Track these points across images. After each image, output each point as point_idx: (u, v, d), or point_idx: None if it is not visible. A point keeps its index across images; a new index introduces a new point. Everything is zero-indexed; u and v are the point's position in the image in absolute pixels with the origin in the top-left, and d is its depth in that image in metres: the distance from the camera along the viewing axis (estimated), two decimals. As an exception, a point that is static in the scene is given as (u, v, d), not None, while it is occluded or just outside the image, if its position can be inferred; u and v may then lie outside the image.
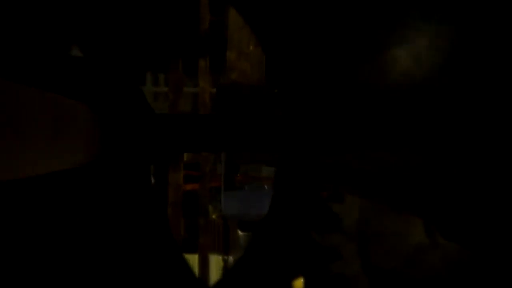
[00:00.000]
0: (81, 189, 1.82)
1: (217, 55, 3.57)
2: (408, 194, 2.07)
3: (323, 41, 2.10)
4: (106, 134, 1.79)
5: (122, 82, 1.91)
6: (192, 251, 5.26)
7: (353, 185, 2.15)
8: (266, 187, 5.26)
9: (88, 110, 1.75)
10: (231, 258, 5.78)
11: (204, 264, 5.00)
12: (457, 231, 2.08)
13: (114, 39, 2.36)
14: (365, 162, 2.06)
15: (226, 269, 5.78)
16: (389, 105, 2.01)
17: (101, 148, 1.78)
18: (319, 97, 2.08)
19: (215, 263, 5.80)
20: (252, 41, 2.80)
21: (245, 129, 2.07)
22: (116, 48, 2.35)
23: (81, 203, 1.84)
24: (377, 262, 2.22)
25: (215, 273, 5.70)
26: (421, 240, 2.22)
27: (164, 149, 2.03)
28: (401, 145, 2.02)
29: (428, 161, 2.01)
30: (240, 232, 5.47)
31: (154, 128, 1.95)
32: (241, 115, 2.31)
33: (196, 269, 5.19)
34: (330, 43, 2.09)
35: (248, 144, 2.09)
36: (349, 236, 2.26)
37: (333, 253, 2.22)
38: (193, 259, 5.26)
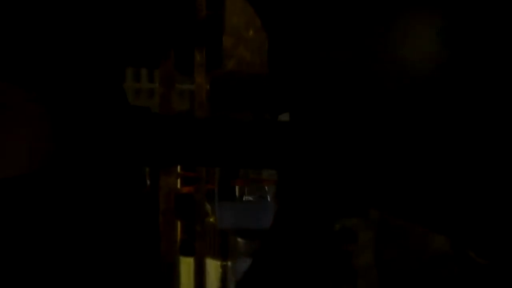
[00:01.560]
0: (32, 197, 1.66)
1: (215, 47, 3.40)
2: (436, 211, 2.02)
3: (333, 23, 1.99)
4: (64, 133, 1.63)
5: (93, 71, 1.72)
6: (190, 254, 5.15)
7: (374, 200, 2.08)
8: (266, 188, 5.17)
9: (37, 100, 1.55)
10: (229, 264, 5.62)
11: (200, 271, 4.80)
12: (492, 249, 2.03)
13: (103, 31, 2.18)
14: (388, 177, 2.00)
15: (225, 275, 5.67)
16: (408, 109, 1.96)
17: (57, 151, 1.63)
18: (328, 94, 2.00)
19: (214, 268, 5.67)
20: (253, 25, 2.63)
21: (244, 141, 1.98)
22: (104, 40, 2.17)
23: (28, 212, 1.69)
24: (390, 259, 2.18)
25: (214, 278, 5.57)
26: (442, 248, 2.14)
27: (143, 157, 1.88)
28: (427, 159, 1.97)
29: (458, 177, 1.96)
30: (239, 239, 5.32)
31: (133, 129, 1.81)
32: (239, 122, 2.21)
33: (192, 275, 5.05)
34: (339, 26, 2.00)
35: (249, 160, 2.04)
36: (368, 221, 2.20)
37: (349, 234, 2.16)
38: (192, 262, 5.15)
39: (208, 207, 5.36)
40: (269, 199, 5.29)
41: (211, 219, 5.50)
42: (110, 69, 1.83)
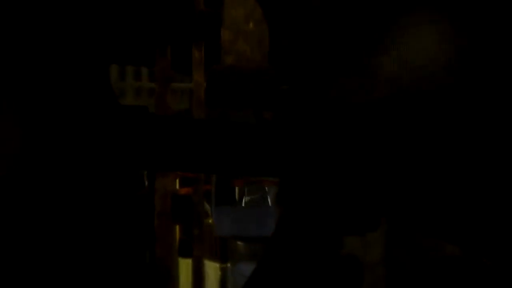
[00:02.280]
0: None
1: (213, 42, 3.32)
2: (446, 220, 2.02)
3: (339, 15, 1.99)
4: (35, 135, 1.55)
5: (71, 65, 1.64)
6: (189, 255, 5.00)
7: (383, 209, 2.05)
8: (266, 188, 5.11)
9: (5, 99, 1.48)
10: (229, 266, 5.62)
11: (198, 273, 4.73)
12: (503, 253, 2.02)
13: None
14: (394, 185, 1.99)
15: (224, 278, 5.66)
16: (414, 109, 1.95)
17: (26, 154, 1.55)
18: (335, 92, 1.99)
19: (213, 270, 5.64)
20: (253, 17, 2.54)
21: (242, 144, 1.95)
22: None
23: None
24: (399, 257, 2.17)
25: (213, 280, 5.56)
26: (455, 251, 2.13)
27: (133, 161, 1.81)
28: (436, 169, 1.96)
29: (468, 185, 1.96)
30: (239, 242, 5.24)
31: (122, 131, 1.74)
32: (238, 124, 2.13)
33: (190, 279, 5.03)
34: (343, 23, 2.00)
35: (247, 166, 1.98)
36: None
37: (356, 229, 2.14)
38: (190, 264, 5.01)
39: (207, 207, 5.29)
40: (269, 200, 5.21)
41: (210, 221, 5.45)
42: (95, 66, 1.74)
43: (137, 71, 6.92)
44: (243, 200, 5.36)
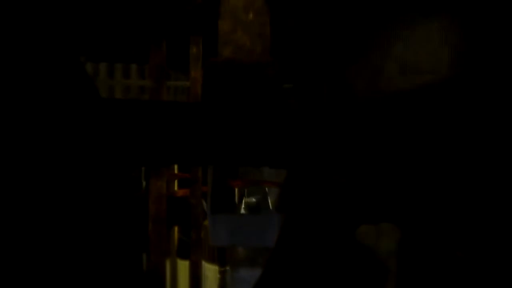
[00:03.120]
0: None
1: (211, 35, 3.25)
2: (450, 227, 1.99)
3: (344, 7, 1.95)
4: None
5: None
6: (187, 257, 5.09)
7: (387, 213, 2.01)
8: (267, 189, 5.05)
9: None
10: (228, 270, 5.59)
11: (195, 276, 4.68)
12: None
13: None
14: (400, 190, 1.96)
15: (224, 282, 5.67)
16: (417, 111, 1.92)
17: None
18: (345, 81, 1.93)
19: (212, 273, 5.62)
20: (253, 6, 2.47)
21: (242, 131, 1.92)
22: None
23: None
24: (412, 249, 2.13)
25: (212, 284, 5.55)
26: (458, 253, 2.08)
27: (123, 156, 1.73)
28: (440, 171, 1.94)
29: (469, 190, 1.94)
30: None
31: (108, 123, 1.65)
32: (236, 108, 2.10)
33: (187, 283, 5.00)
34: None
35: (247, 155, 1.93)
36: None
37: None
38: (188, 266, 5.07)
39: (205, 205, 5.24)
40: (270, 202, 5.12)
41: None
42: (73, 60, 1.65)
43: (126, 69, 6.91)
44: (243, 202, 5.27)
